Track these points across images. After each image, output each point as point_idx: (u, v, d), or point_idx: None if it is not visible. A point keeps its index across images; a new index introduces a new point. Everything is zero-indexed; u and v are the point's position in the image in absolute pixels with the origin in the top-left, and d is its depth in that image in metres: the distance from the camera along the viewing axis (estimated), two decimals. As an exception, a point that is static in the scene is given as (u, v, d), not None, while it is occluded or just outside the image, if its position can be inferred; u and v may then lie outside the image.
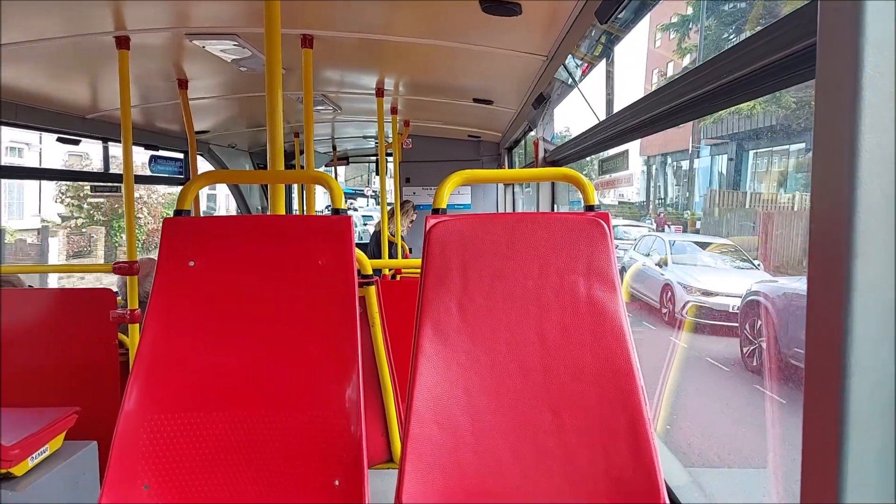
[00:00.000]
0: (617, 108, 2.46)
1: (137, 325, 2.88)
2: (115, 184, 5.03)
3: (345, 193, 1.88)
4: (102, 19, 2.52)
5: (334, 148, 7.64)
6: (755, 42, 1.14)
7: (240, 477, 1.53)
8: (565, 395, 1.43)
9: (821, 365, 0.77)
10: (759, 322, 6.28)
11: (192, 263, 1.63)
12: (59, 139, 4.25)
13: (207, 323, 1.61)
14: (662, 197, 19.56)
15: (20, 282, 3.39)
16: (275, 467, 1.53)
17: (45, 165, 19.92)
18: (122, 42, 2.71)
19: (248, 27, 2.65)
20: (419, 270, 1.56)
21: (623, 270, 9.71)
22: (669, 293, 8.76)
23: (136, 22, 2.58)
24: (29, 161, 20.06)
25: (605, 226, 1.52)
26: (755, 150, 11.57)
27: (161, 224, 1.79)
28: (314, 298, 1.62)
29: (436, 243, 1.52)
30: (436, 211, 1.62)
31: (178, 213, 1.70)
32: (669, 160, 18.29)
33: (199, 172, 4.37)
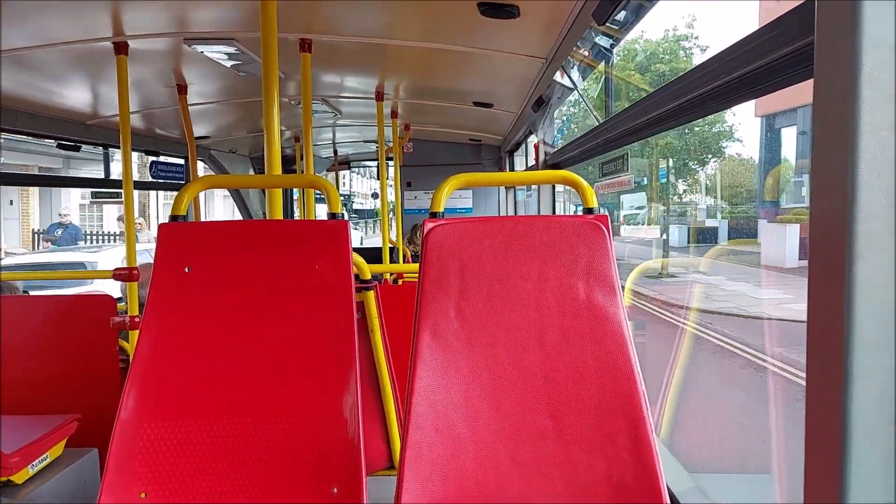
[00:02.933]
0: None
1: (138, 331, 2.87)
2: (116, 190, 5.04)
3: None
4: (101, 25, 2.52)
5: (335, 153, 7.64)
6: (754, 41, 1.13)
7: (237, 484, 1.52)
8: (565, 400, 1.42)
9: (822, 368, 0.76)
10: None
11: (188, 269, 1.62)
12: (59, 145, 4.26)
13: (204, 329, 1.60)
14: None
15: (15, 288, 3.39)
16: (272, 474, 1.52)
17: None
18: (121, 48, 2.72)
19: (246, 32, 2.64)
20: None
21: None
22: None
23: (135, 27, 2.58)
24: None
25: (605, 228, 1.51)
26: None
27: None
28: (311, 304, 1.61)
29: (433, 247, 1.51)
30: (433, 215, 1.60)
31: (173, 218, 1.69)
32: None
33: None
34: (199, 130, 4.83)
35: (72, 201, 19.02)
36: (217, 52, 2.90)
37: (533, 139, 4.09)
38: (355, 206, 32.35)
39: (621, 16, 2.25)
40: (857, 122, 0.70)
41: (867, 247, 0.70)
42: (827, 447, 0.74)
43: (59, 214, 13.33)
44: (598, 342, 1.43)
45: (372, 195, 27.56)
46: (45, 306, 3.03)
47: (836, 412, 0.73)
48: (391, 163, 5.28)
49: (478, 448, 1.40)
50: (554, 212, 3.88)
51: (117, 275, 2.94)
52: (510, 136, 5.46)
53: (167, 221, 1.69)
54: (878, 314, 0.71)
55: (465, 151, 6.74)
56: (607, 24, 2.07)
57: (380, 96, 4.11)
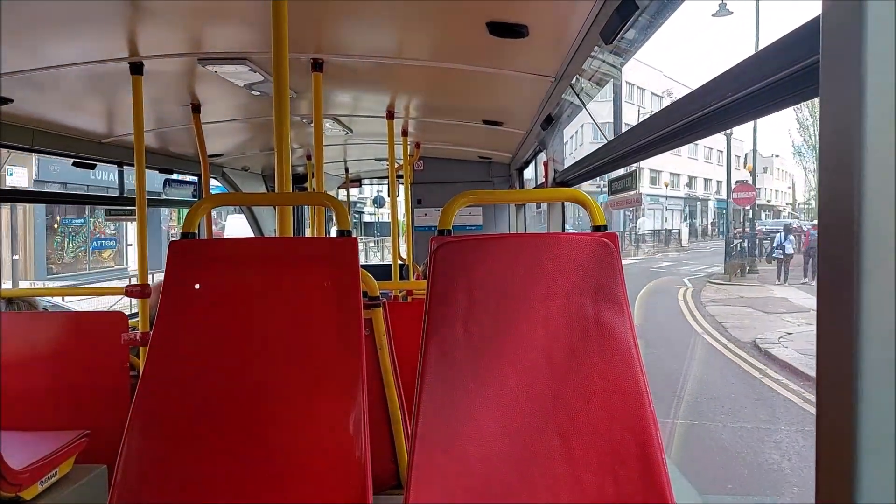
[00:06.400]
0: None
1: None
2: (129, 207, 5.09)
3: None
4: (117, 46, 2.57)
5: (347, 170, 7.70)
6: (761, 59, 1.13)
7: (245, 501, 1.51)
8: (574, 419, 1.40)
9: (832, 377, 0.76)
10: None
11: (197, 286, 1.63)
12: (74, 163, 4.32)
13: (212, 346, 1.60)
14: None
15: (34, 304, 3.42)
16: (280, 491, 1.51)
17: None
18: (136, 68, 2.76)
19: (259, 52, 2.68)
20: None
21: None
22: None
23: (150, 48, 2.62)
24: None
25: (613, 246, 1.50)
26: None
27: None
28: (319, 321, 1.61)
29: (441, 265, 1.51)
30: (441, 232, 1.60)
31: (184, 235, 1.70)
32: None
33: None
34: (212, 148, 4.88)
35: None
36: (230, 72, 2.94)
37: (543, 157, 4.09)
38: (364, 219, 30.60)
39: (630, 34, 2.26)
40: (863, 140, 0.70)
41: (875, 263, 0.70)
42: (838, 456, 0.74)
43: None
44: (606, 360, 1.42)
45: (373, 200, 25.84)
46: (58, 322, 3.05)
47: (846, 421, 0.72)
48: (402, 180, 5.31)
49: (485, 467, 1.39)
50: (563, 229, 3.87)
51: (130, 291, 2.97)
52: (520, 153, 5.48)
53: (177, 239, 1.71)
54: (886, 326, 0.70)
55: (475, 169, 6.77)
56: (615, 43, 2.08)
57: (390, 115, 4.14)
